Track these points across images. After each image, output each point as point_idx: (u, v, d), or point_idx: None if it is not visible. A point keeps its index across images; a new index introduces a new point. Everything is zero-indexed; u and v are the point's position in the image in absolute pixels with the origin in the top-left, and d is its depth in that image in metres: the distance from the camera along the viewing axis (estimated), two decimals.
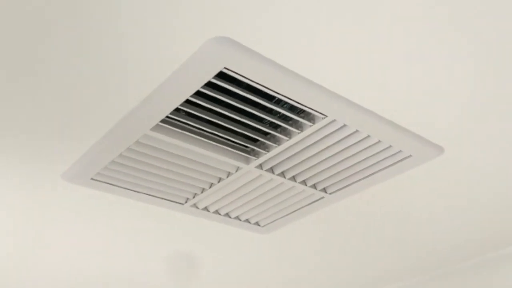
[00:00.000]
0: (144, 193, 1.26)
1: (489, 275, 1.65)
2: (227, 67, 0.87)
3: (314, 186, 1.27)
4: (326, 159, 1.17)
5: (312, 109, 1.00)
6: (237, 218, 1.41)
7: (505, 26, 0.83)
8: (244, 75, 0.89)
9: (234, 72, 0.89)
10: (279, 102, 1.03)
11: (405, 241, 1.54)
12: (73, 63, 0.87)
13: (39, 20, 0.79)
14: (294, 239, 1.53)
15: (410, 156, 1.15)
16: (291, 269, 1.72)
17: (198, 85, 0.91)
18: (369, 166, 1.20)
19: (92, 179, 1.18)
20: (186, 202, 1.32)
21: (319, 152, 1.15)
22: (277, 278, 1.79)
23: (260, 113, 1.02)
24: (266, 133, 1.12)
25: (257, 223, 1.44)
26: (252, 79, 0.90)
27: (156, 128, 1.04)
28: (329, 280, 1.83)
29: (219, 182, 1.24)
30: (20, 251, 1.53)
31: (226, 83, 0.92)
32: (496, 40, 0.86)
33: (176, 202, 1.31)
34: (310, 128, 1.06)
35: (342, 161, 1.18)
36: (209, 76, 0.89)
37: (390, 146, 1.12)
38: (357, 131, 1.08)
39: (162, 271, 1.72)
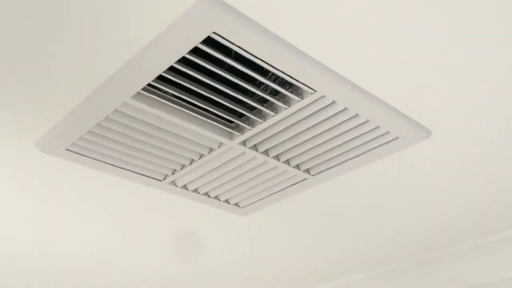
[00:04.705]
0: (122, 168, 1.21)
1: (473, 262, 1.65)
2: (216, 31, 0.82)
3: (297, 167, 1.24)
4: (312, 138, 1.14)
5: (302, 83, 0.96)
6: (217, 198, 1.37)
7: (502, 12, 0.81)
8: (233, 41, 0.85)
9: (223, 38, 0.84)
10: (267, 75, 0.99)
11: (387, 226, 1.52)
12: (50, 25, 0.82)
13: None
14: (273, 222, 1.50)
15: (397, 138, 1.13)
16: (269, 252, 1.69)
17: (184, 50, 0.86)
18: (354, 147, 1.17)
19: (67, 149, 1.13)
20: (164, 178, 1.27)
21: (305, 130, 1.11)
22: (255, 260, 1.76)
23: (248, 85, 0.97)
24: (252, 108, 1.07)
25: (236, 204, 1.41)
26: (241, 47, 0.86)
27: (137, 96, 0.99)
28: (308, 264, 1.80)
29: (200, 158, 1.20)
30: None
31: (214, 51, 0.88)
32: (489, 24, 0.84)
33: (154, 179, 1.26)
34: (298, 104, 1.02)
35: (328, 140, 1.15)
36: (197, 41, 0.84)
37: (378, 126, 1.09)
38: (345, 109, 1.05)
39: (136, 249, 1.67)
